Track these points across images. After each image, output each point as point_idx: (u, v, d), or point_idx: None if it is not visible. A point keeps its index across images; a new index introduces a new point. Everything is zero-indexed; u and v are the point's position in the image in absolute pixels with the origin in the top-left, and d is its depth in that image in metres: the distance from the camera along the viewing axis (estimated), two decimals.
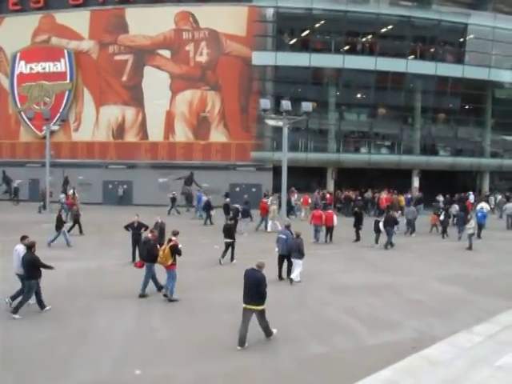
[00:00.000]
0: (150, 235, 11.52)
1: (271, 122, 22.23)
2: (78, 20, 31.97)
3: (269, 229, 20.72)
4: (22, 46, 33.36)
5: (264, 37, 29.52)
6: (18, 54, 33.46)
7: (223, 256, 14.42)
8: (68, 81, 32.33)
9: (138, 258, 12.58)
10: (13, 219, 23.27)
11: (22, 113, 32.82)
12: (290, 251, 12.33)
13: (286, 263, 12.72)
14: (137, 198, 30.14)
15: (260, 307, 8.01)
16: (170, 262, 10.42)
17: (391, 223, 18.02)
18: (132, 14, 31.06)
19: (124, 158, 31.12)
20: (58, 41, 32.66)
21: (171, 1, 30.50)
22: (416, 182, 32.15)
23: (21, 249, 9.79)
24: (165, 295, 10.70)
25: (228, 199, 23.21)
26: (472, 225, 18.47)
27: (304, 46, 30.29)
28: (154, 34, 30.63)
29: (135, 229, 14.23)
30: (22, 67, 33.51)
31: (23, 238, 9.98)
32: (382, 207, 27.08)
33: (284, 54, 29.24)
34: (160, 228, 14.41)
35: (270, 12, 29.68)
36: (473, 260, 16.23)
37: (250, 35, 29.41)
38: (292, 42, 31.18)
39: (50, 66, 32.80)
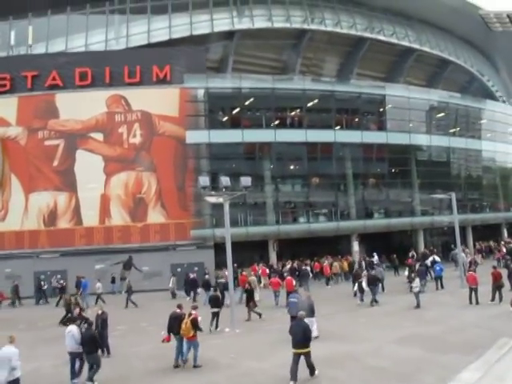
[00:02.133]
0: (178, 310, 12.43)
1: (211, 199, 22.17)
2: (4, 107, 31.16)
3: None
4: None
5: (196, 116, 30.24)
6: None
7: (211, 324, 15.86)
8: None
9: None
10: None
11: None
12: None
13: None
14: (72, 288, 28.38)
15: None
16: (191, 334, 11.64)
17: (374, 282, 19.98)
18: (63, 98, 30.84)
19: (57, 245, 29.58)
20: None
21: (102, 85, 30.68)
22: (356, 246, 32.99)
23: (74, 329, 11.14)
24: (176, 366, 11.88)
25: (207, 276, 24.49)
26: (417, 283, 18.97)
27: (236, 123, 31.32)
28: (86, 117, 30.44)
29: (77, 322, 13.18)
30: None
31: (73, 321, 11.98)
32: (327, 274, 27.54)
33: (217, 132, 30.02)
34: (102, 319, 13.47)
35: (200, 92, 30.69)
36: (423, 318, 16.44)
37: (183, 115, 30.01)
38: (224, 119, 32.20)
39: None
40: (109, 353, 13.33)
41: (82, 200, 29.87)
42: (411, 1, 37.93)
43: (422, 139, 37.36)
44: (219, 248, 26.77)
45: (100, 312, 13.82)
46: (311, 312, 13.15)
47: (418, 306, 18.34)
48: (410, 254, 30.51)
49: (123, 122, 30.41)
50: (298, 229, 31.74)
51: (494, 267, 19.25)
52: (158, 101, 30.19)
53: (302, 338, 9.94)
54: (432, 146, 37.95)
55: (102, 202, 29.80)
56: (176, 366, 11.93)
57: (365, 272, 22.65)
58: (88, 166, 29.79)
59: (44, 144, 30.65)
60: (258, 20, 35.99)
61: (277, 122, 32.04)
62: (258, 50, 36.44)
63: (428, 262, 26.10)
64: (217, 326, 16.11)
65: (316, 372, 10.19)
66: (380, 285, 21.56)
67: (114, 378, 11.34)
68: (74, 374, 10.93)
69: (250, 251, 30.38)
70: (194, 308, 12.44)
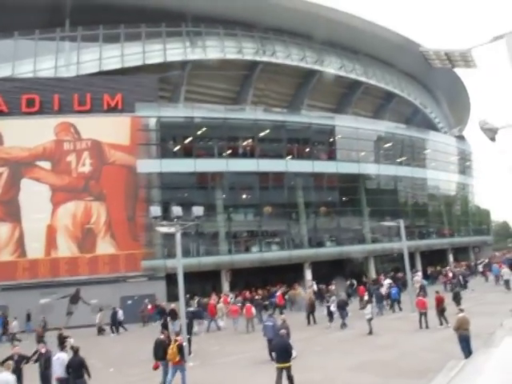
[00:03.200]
0: (162, 336, 13.04)
1: (163, 229, 21.78)
2: None
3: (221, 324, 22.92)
4: None
5: (148, 145, 30.05)
6: None
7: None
8: None
9: None
10: None
11: None
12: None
13: None
14: (14, 325, 26.87)
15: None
16: (177, 359, 11.99)
17: (343, 306, 20.87)
18: (8, 125, 29.76)
19: None
20: None
21: (50, 112, 29.93)
22: (309, 275, 33.29)
23: (63, 355, 11.51)
24: None
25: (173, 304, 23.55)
26: (369, 310, 19.32)
27: (188, 152, 31.30)
28: (33, 145, 29.47)
29: (16, 362, 12.36)
30: None
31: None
32: (280, 304, 27.45)
33: (169, 161, 29.88)
34: (45, 358, 12.66)
35: (152, 121, 30.60)
36: (376, 344, 16.65)
37: (134, 144, 29.72)
38: (176, 148, 32.15)
39: None
40: None
41: (26, 231, 28.54)
42: (358, 36, 39.73)
43: (370, 168, 38.72)
44: (171, 279, 26.27)
45: (44, 350, 13.14)
46: (287, 335, 13.57)
47: (370, 332, 18.67)
48: (349, 283, 31.07)
49: (72, 151, 29.67)
50: (250, 258, 31.74)
51: (437, 292, 19.97)
52: (109, 129, 29.75)
53: (284, 353, 11.22)
54: (380, 174, 39.44)
55: (48, 232, 28.58)
56: None
57: (333, 297, 23.21)
58: (34, 196, 28.64)
59: None
60: (211, 51, 36.59)
61: (229, 152, 32.36)
62: (211, 81, 36.90)
63: (385, 285, 26.97)
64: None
65: None
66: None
67: None
68: None
69: (202, 281, 30.14)
70: (178, 334, 13.00)
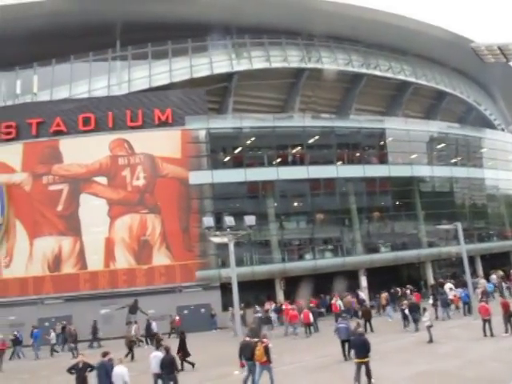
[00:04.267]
0: (247, 339, 14.05)
1: (216, 240, 22.13)
2: (10, 153, 31.58)
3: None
4: None
5: (199, 157, 30.52)
6: None
7: None
8: None
9: None
10: None
11: None
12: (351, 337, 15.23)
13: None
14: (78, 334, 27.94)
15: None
16: (264, 359, 12.80)
17: (415, 309, 21.17)
18: (66, 144, 31.25)
19: (62, 291, 29.26)
20: None
21: (105, 130, 31.12)
22: (364, 282, 32.54)
23: (159, 354, 13.29)
24: None
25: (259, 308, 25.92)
26: (427, 317, 18.63)
27: (238, 162, 31.54)
28: (90, 162, 30.71)
29: (80, 370, 12.77)
30: None
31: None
32: (336, 312, 27.10)
33: (220, 172, 30.21)
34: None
35: (202, 133, 31.07)
36: (438, 353, 16.03)
37: (185, 156, 30.29)
38: (226, 159, 32.47)
39: None
40: None
41: (86, 244, 29.74)
42: (405, 36, 38.80)
43: (424, 170, 37.52)
44: (226, 288, 26.54)
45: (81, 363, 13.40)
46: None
47: (430, 340, 17.97)
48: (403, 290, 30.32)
49: (126, 165, 30.64)
50: (304, 266, 31.42)
51: (502, 296, 19.00)
52: (161, 143, 30.53)
53: (363, 349, 12.32)
54: (434, 176, 38.10)
55: (106, 245, 29.63)
56: None
57: (405, 301, 23.47)
58: (92, 210, 29.88)
59: (48, 189, 30.80)
60: (257, 61, 36.87)
61: (279, 160, 32.32)
62: (258, 90, 37.12)
63: (446, 289, 26.64)
64: None
65: (373, 380, 12.03)
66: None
67: None
68: None
69: (256, 290, 30.03)
70: (264, 336, 13.90)
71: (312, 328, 23.76)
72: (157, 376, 13.17)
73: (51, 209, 30.48)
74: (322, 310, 28.49)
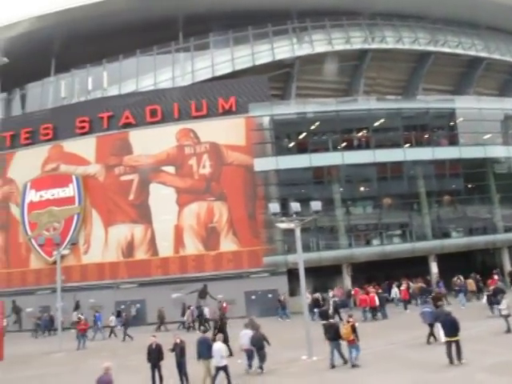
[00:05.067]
0: (332, 321, 15.15)
1: (282, 225, 22.08)
2: (84, 147, 33.46)
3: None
4: (32, 176, 34.59)
5: (263, 144, 30.57)
6: (29, 184, 34.57)
7: None
8: (76, 205, 32.95)
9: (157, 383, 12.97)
10: (23, 351, 22.74)
11: (33, 239, 33.15)
12: (435, 320, 15.60)
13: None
14: (151, 317, 29.21)
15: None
16: (352, 337, 13.54)
17: (499, 294, 19.98)
18: (135, 135, 32.55)
19: (135, 276, 30.73)
20: (66, 168, 33.90)
21: (171, 120, 32.04)
22: (434, 268, 31.38)
23: (249, 332, 14.58)
24: None
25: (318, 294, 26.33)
26: (505, 305, 17.63)
27: (303, 148, 31.31)
28: (158, 152, 31.79)
29: (154, 351, 13.48)
30: (32, 196, 34.41)
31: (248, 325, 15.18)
32: (405, 299, 26.47)
33: (284, 158, 30.11)
34: (180, 348, 13.65)
35: (266, 120, 31.09)
36: None
37: (250, 143, 30.50)
38: (291, 145, 32.33)
39: (58, 192, 33.63)
40: (187, 381, 13.46)
41: (157, 231, 30.96)
42: (475, 8, 36.57)
43: (498, 151, 35.28)
44: (292, 274, 26.57)
45: (178, 341, 14.03)
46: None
47: (508, 330, 16.95)
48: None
49: (193, 154, 31.40)
50: (371, 251, 30.77)
51: None
52: (225, 131, 30.96)
53: (453, 328, 12.93)
54: (511, 157, 35.78)
55: (175, 232, 30.67)
56: (332, 367, 13.83)
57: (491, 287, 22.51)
58: (161, 199, 30.99)
59: (120, 179, 32.30)
60: (318, 44, 36.28)
61: (344, 145, 31.75)
62: (320, 74, 36.45)
63: None
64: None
65: (463, 360, 12.58)
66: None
67: None
68: (251, 364, 14.48)
69: (323, 276, 29.85)
70: (351, 316, 14.54)
71: (379, 314, 23.78)
72: (247, 351, 14.52)
73: (123, 198, 31.95)
74: (387, 295, 27.70)
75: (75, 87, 37.64)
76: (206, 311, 26.10)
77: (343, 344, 14.00)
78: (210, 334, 15.78)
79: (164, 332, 24.28)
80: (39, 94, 40.36)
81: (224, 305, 27.61)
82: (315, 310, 24.02)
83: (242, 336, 14.66)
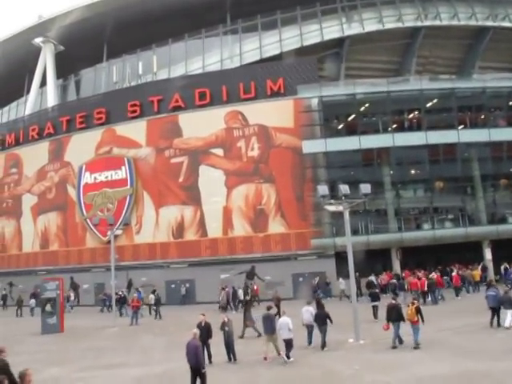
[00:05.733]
0: (394, 301, 14.87)
1: (331, 208, 21.88)
2: (135, 130, 34.33)
3: None
4: (86, 158, 35.97)
5: (312, 126, 30.26)
6: (84, 166, 36.00)
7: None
8: (129, 186, 33.98)
9: (207, 361, 12.95)
10: (81, 325, 23.83)
11: (88, 220, 34.61)
12: (500, 304, 16.01)
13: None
14: (200, 296, 30.02)
15: None
16: (416, 319, 13.89)
17: None
18: (185, 118, 33.03)
19: (185, 256, 31.50)
20: (118, 150, 34.96)
21: (220, 103, 32.21)
22: (488, 254, 30.34)
23: (311, 309, 15.43)
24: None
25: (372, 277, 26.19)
26: None
27: (352, 130, 30.77)
28: (207, 134, 32.13)
29: (203, 329, 13.77)
30: (87, 178, 35.84)
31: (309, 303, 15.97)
32: (456, 285, 25.86)
33: (333, 140, 29.69)
34: (207, 328, 13.84)
35: (314, 102, 30.71)
36: None
37: (298, 126, 30.28)
38: (340, 127, 31.84)
39: (112, 175, 34.81)
40: (235, 359, 13.80)
41: (206, 213, 31.50)
42: None
43: None
44: (340, 257, 26.47)
45: (226, 319, 14.33)
46: (510, 305, 15.78)
47: None
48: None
49: (241, 137, 31.55)
50: (422, 236, 30.06)
51: None
52: (274, 113, 30.84)
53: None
54: None
55: (224, 214, 31.08)
56: (394, 347, 14.11)
57: None
58: (210, 181, 31.43)
59: (170, 162, 32.98)
60: (368, 23, 35.38)
61: (394, 126, 30.93)
62: (370, 54, 35.64)
63: None
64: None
65: None
66: None
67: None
68: (311, 340, 15.18)
69: (371, 260, 29.38)
70: (415, 299, 15.17)
71: (430, 299, 23.59)
72: (307, 327, 15.28)
73: (173, 180, 32.65)
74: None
75: (126, 72, 38.59)
76: (240, 292, 26.71)
77: (405, 325, 14.19)
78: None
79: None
80: (92, 80, 41.79)
81: (255, 287, 28.32)
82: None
83: (304, 312, 15.39)
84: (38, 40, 42.66)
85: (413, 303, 14.27)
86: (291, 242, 29.81)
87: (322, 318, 14.87)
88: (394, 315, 14.29)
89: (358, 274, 24.88)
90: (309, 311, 15.33)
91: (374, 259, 29.72)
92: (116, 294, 26.40)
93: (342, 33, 34.99)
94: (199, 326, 13.95)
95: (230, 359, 13.75)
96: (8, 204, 40.94)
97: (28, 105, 43.82)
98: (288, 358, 13.36)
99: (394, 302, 14.90)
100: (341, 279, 27.10)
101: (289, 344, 13.47)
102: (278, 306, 18.68)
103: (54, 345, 18.41)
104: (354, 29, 35.19)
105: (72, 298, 31.60)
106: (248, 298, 24.41)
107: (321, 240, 28.91)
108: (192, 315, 15.49)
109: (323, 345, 14.68)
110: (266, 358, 13.57)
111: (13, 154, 41.10)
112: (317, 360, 13.63)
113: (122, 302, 27.50)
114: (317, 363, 13.26)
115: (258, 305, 25.99)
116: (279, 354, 13.58)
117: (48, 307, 22.63)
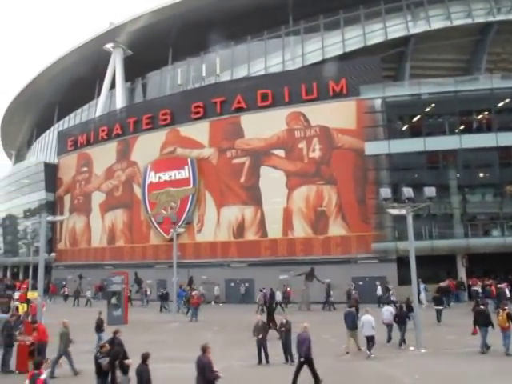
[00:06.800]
0: (482, 307, 15.15)
1: (393, 211, 21.50)
2: (199, 131, 35.27)
3: None
4: (151, 158, 37.41)
5: (374, 127, 29.70)
6: (149, 166, 37.45)
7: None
8: (191, 186, 34.95)
9: (264, 360, 13.71)
10: (143, 319, 24.77)
11: (152, 218, 35.97)
12: None
13: None
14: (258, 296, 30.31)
15: None
16: (507, 325, 13.80)
17: None
18: (247, 119, 33.52)
19: (245, 255, 31.96)
20: (182, 151, 36.07)
21: (282, 104, 32.37)
22: None
23: (391, 308, 16.95)
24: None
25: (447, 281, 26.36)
26: None
27: (416, 131, 29.83)
28: (268, 135, 32.43)
29: (259, 329, 14.10)
30: (151, 177, 37.26)
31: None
32: None
33: (397, 142, 28.96)
34: (286, 329, 14.10)
35: (378, 102, 30.12)
36: None
37: (360, 127, 29.83)
38: (403, 128, 31.02)
39: (175, 174, 35.96)
40: (292, 361, 13.74)
41: (266, 213, 31.81)
42: None
43: None
44: (402, 262, 25.81)
45: (284, 321, 14.43)
46: None
47: None
48: None
49: (303, 138, 31.55)
50: (490, 243, 28.59)
51: None
52: (336, 114, 30.61)
53: None
54: None
55: (284, 215, 31.21)
56: (482, 353, 14.12)
57: None
58: (271, 181, 31.68)
59: (232, 162, 33.58)
60: (435, 20, 34.24)
61: (462, 127, 29.70)
62: (437, 53, 34.46)
63: None
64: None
65: None
66: None
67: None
68: (390, 336, 16.15)
69: (435, 266, 28.53)
70: (505, 304, 15.11)
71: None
72: (387, 325, 16.34)
73: (235, 180, 33.22)
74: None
75: (190, 74, 39.78)
76: (278, 294, 27.10)
77: (493, 331, 14.17)
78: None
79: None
80: (158, 82, 43.43)
81: (288, 289, 28.59)
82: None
83: (384, 311, 16.76)
84: (108, 45, 44.89)
85: (503, 309, 14.24)
86: (352, 244, 29.45)
87: (402, 318, 16.00)
88: (482, 320, 14.44)
89: (420, 280, 24.44)
90: (389, 311, 16.61)
91: (438, 265, 28.79)
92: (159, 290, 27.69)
93: (407, 31, 34.08)
94: (256, 325, 14.34)
95: (286, 360, 13.85)
96: (79, 201, 43.43)
97: (98, 107, 46.31)
98: (370, 353, 14.27)
99: (481, 307, 15.19)
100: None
101: (371, 340, 14.31)
102: (356, 307, 19.45)
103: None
104: (419, 27, 34.17)
105: (149, 292, 32.95)
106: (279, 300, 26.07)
107: (382, 244, 28.32)
108: (250, 314, 15.88)
109: (401, 342, 15.62)
110: (348, 353, 14.66)
111: (84, 153, 43.55)
112: (376, 365, 13.50)
113: (164, 298, 28.90)
114: (376, 369, 13.14)
115: (286, 307, 26.77)
116: (359, 348, 14.75)
117: (113, 300, 23.76)
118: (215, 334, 19.89)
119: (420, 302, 22.55)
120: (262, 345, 13.97)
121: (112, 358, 9.89)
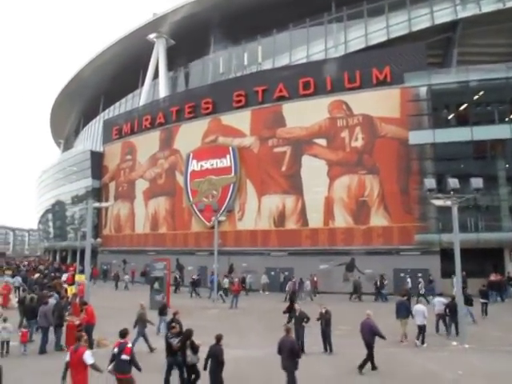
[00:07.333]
0: None
1: (438, 203, 21.03)
2: (240, 120, 35.49)
3: None
4: (194, 147, 38.00)
5: (419, 116, 28.98)
6: (191, 154, 38.07)
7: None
8: (233, 174, 35.31)
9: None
10: (185, 304, 25.34)
11: (194, 205, 36.66)
12: None
13: None
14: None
15: None
16: None
17: None
18: (288, 108, 33.43)
19: (285, 244, 32.12)
20: (223, 139, 36.43)
21: (324, 92, 32.03)
22: None
23: (442, 299, 17.46)
24: None
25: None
26: None
27: (463, 120, 28.88)
28: (310, 124, 32.23)
29: (297, 318, 14.22)
30: (193, 165, 37.88)
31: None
32: None
33: (442, 131, 28.18)
34: (325, 319, 14.16)
35: (423, 90, 29.31)
36: None
37: (404, 116, 29.19)
38: (449, 117, 30.13)
39: (217, 163, 36.42)
40: (331, 351, 13.96)
41: (307, 202, 31.77)
42: None
43: None
44: (446, 254, 25.30)
45: (324, 311, 14.48)
46: None
47: None
48: None
49: (345, 127, 31.20)
50: None
51: None
52: (379, 103, 30.05)
53: None
54: None
55: (325, 204, 31.08)
56: None
57: None
58: (313, 171, 31.57)
59: (273, 151, 33.64)
60: (486, 3, 32.75)
61: None
62: (487, 38, 33.10)
63: None
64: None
65: None
66: None
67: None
68: (438, 327, 16.89)
69: (480, 259, 27.79)
70: None
71: None
72: (439, 316, 16.93)
73: (276, 169, 33.30)
74: None
75: (232, 63, 39.95)
76: (307, 284, 27.40)
77: None
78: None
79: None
80: (200, 71, 43.91)
81: (315, 279, 28.66)
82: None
83: (436, 302, 17.40)
84: (151, 36, 45.70)
85: None
86: (394, 235, 29.01)
87: (452, 309, 16.25)
88: None
89: (464, 273, 23.88)
90: (440, 302, 17.09)
91: (484, 259, 28.03)
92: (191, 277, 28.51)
93: (456, 15, 32.85)
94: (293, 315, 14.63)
95: (325, 350, 13.99)
96: (123, 188, 44.77)
97: (142, 96, 47.35)
98: (422, 343, 14.82)
99: None
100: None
101: (422, 329, 14.85)
102: (407, 297, 19.69)
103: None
104: (468, 10, 32.84)
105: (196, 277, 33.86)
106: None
107: (425, 235, 27.77)
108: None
109: (450, 332, 16.22)
110: (402, 341, 15.16)
111: (128, 142, 44.75)
112: (418, 359, 13.41)
113: (196, 284, 29.84)
114: (418, 363, 13.05)
115: (315, 296, 27.09)
116: (406, 337, 15.24)
117: (156, 285, 24.45)
118: (255, 321, 20.22)
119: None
120: (297, 334, 13.93)
121: (184, 337, 10.31)
